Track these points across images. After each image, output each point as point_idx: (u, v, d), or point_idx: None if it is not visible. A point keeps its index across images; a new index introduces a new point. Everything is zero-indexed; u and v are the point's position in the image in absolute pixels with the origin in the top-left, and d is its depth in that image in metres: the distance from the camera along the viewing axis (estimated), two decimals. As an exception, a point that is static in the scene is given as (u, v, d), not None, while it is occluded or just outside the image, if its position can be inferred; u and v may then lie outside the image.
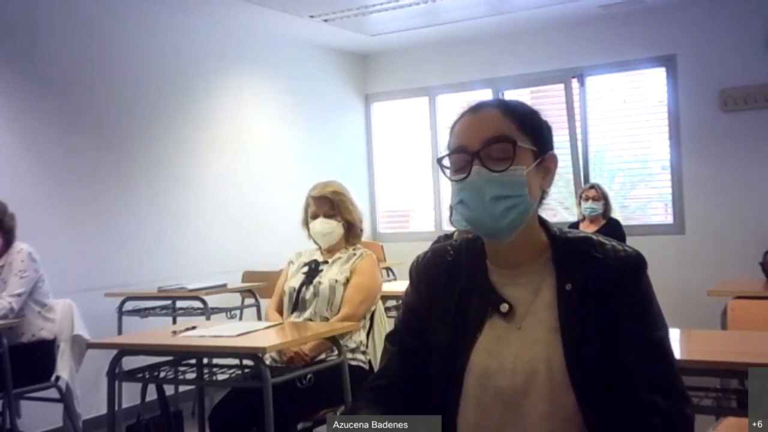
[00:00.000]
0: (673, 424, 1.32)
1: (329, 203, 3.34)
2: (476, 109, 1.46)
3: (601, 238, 1.47)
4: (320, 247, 3.44)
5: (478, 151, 1.39)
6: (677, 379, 1.38)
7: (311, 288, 3.28)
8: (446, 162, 1.46)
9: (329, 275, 3.30)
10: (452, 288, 1.48)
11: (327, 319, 3.23)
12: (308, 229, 3.41)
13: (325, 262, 3.37)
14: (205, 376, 3.13)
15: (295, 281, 3.33)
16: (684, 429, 1.34)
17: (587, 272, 1.41)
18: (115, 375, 3.06)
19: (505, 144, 1.39)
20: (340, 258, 3.36)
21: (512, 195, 1.39)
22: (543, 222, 1.49)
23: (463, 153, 1.41)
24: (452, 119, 1.49)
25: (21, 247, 3.92)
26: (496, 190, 1.38)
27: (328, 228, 3.33)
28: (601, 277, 1.40)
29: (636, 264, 1.42)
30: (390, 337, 1.56)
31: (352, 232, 3.40)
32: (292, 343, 3.01)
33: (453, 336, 1.44)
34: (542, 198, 1.47)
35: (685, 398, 1.37)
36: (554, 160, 1.47)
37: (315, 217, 3.35)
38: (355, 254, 3.36)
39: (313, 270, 3.34)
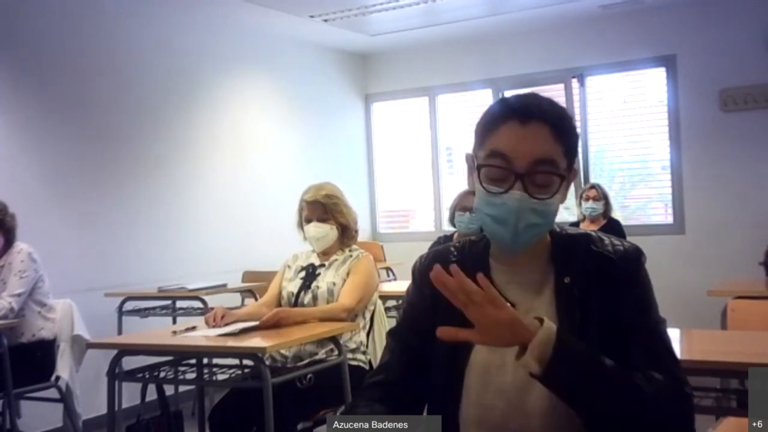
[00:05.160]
0: (674, 394, 1.32)
1: (322, 207, 3.34)
2: (525, 119, 1.38)
3: (600, 235, 1.49)
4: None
5: (524, 174, 1.36)
6: (677, 361, 1.39)
7: (309, 293, 3.28)
8: (480, 157, 1.42)
9: (327, 279, 3.30)
10: None
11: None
12: (303, 231, 3.41)
13: (322, 265, 3.37)
14: (205, 376, 3.13)
15: (293, 286, 3.33)
16: (685, 400, 1.34)
17: (586, 266, 1.43)
18: (115, 375, 3.05)
19: (551, 176, 1.38)
20: (336, 260, 3.36)
21: (544, 223, 1.41)
22: None
23: (506, 167, 1.38)
24: (491, 115, 1.43)
25: (21, 247, 3.92)
26: (533, 218, 1.38)
27: (322, 232, 3.34)
28: (600, 271, 1.42)
29: (635, 257, 1.44)
30: (392, 333, 1.58)
31: (346, 235, 3.39)
32: (292, 343, 3.02)
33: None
34: None
35: (685, 381, 1.37)
36: (575, 173, 1.47)
37: (308, 221, 3.36)
38: (351, 255, 3.36)
39: (310, 274, 3.34)
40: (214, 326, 3.06)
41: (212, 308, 4.60)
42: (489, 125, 1.42)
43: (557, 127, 1.39)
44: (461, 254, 1.53)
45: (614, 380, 1.29)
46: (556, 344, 1.25)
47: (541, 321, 1.27)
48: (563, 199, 1.47)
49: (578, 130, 1.53)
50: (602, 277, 1.41)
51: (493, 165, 1.39)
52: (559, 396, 1.30)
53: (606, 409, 1.29)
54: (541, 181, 1.37)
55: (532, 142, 1.37)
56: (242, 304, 5.26)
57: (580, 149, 6.41)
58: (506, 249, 1.44)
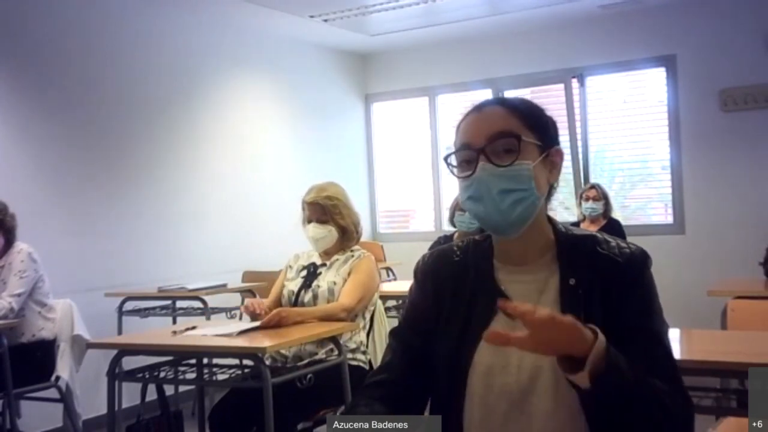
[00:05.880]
0: (676, 401, 1.32)
1: (321, 209, 3.34)
2: (479, 107, 1.48)
3: (606, 236, 1.49)
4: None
5: (483, 148, 1.41)
6: (677, 371, 1.39)
7: (310, 292, 3.28)
8: (453, 161, 1.48)
9: (327, 278, 3.30)
10: (462, 289, 1.49)
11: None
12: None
13: (323, 264, 3.37)
14: (205, 376, 3.13)
15: (294, 285, 3.33)
16: (686, 406, 1.34)
17: (592, 268, 1.43)
18: (115, 375, 3.05)
19: (509, 139, 1.41)
20: (338, 260, 3.36)
21: (519, 189, 1.41)
22: (551, 220, 1.51)
23: (468, 150, 1.43)
24: (457, 120, 1.51)
25: (21, 247, 3.92)
26: (503, 183, 1.40)
27: (321, 234, 3.34)
28: (605, 273, 1.42)
29: (640, 260, 1.44)
30: (394, 333, 1.58)
31: (346, 236, 3.39)
32: (292, 343, 3.02)
33: (460, 335, 1.45)
34: (551, 193, 1.49)
35: (684, 388, 1.37)
36: (560, 154, 1.49)
37: (309, 221, 3.36)
38: (353, 256, 3.36)
39: (311, 273, 3.34)
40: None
41: (212, 308, 4.63)
42: (455, 128, 1.50)
43: (511, 105, 1.46)
44: (464, 254, 1.53)
45: (644, 391, 1.28)
46: (607, 360, 1.23)
47: (594, 333, 1.24)
48: (553, 177, 1.47)
49: (568, 133, 1.55)
50: (607, 280, 1.41)
51: (460, 153, 1.45)
52: (595, 407, 1.29)
53: (630, 418, 1.29)
54: (502, 149, 1.41)
55: (486, 121, 1.44)
56: (242, 304, 5.24)
57: (579, 149, 6.44)
58: (497, 227, 1.44)
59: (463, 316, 1.46)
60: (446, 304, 1.49)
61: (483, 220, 1.44)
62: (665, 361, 1.38)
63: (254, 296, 5.02)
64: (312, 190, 3.40)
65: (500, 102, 1.48)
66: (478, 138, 1.42)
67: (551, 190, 1.49)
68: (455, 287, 1.49)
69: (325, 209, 3.34)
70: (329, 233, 3.34)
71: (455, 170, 1.47)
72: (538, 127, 1.45)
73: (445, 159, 1.48)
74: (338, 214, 3.35)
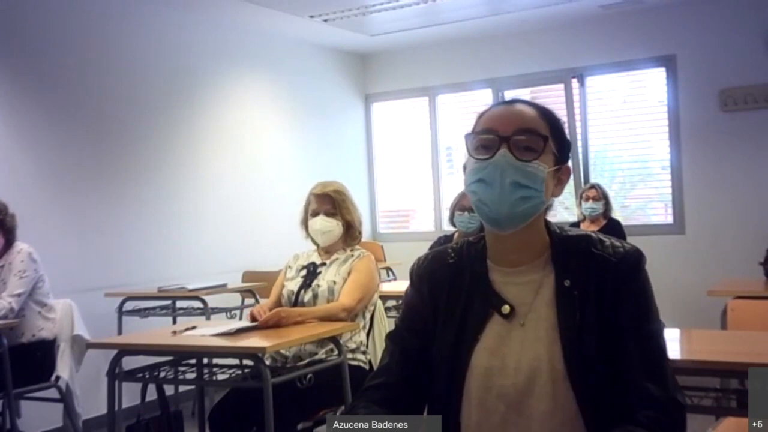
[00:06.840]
0: (667, 413, 1.33)
1: (331, 201, 3.34)
2: (512, 102, 1.51)
3: (601, 236, 1.49)
4: (318, 247, 3.43)
5: (509, 137, 1.42)
6: (670, 370, 1.39)
7: (309, 291, 3.27)
8: (470, 143, 1.48)
9: (327, 277, 3.30)
10: (457, 291, 1.48)
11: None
12: (306, 228, 3.40)
13: (323, 264, 3.36)
14: (205, 376, 3.13)
15: (294, 284, 3.33)
16: (677, 416, 1.35)
17: (587, 269, 1.43)
18: (115, 375, 3.05)
19: (535, 137, 1.43)
20: (337, 259, 3.36)
21: (530, 186, 1.42)
22: (546, 223, 1.51)
23: (492, 135, 1.44)
24: (482, 108, 1.53)
25: (21, 247, 3.92)
26: (518, 177, 1.41)
27: (328, 226, 3.33)
28: (600, 273, 1.42)
29: (635, 259, 1.44)
30: (391, 336, 1.57)
31: (350, 233, 3.39)
32: (292, 343, 3.02)
33: (456, 338, 1.44)
34: (550, 205, 1.50)
35: (677, 388, 1.38)
36: (568, 173, 1.51)
37: (315, 214, 3.35)
38: (353, 255, 3.36)
39: (311, 273, 3.34)
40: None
41: (212, 308, 4.63)
42: (479, 115, 1.51)
43: (543, 110, 1.49)
44: (459, 256, 1.53)
45: None
46: None
47: None
48: (557, 192, 1.48)
49: (569, 134, 1.57)
50: (602, 280, 1.41)
51: (482, 136, 1.46)
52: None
53: None
54: (525, 145, 1.43)
55: (517, 114, 1.47)
56: (242, 304, 5.26)
57: (579, 149, 6.44)
58: (497, 217, 1.43)
59: (459, 318, 1.46)
60: (442, 306, 1.49)
61: (486, 206, 1.43)
62: (659, 361, 1.38)
63: (254, 296, 5.04)
64: (319, 185, 3.41)
65: (531, 103, 1.51)
66: (506, 127, 1.43)
67: (550, 202, 1.50)
68: (451, 289, 1.49)
69: (335, 202, 3.34)
70: (336, 227, 3.34)
71: (472, 144, 1.47)
72: (560, 139, 1.48)
73: (465, 137, 1.48)
74: (346, 209, 3.36)
